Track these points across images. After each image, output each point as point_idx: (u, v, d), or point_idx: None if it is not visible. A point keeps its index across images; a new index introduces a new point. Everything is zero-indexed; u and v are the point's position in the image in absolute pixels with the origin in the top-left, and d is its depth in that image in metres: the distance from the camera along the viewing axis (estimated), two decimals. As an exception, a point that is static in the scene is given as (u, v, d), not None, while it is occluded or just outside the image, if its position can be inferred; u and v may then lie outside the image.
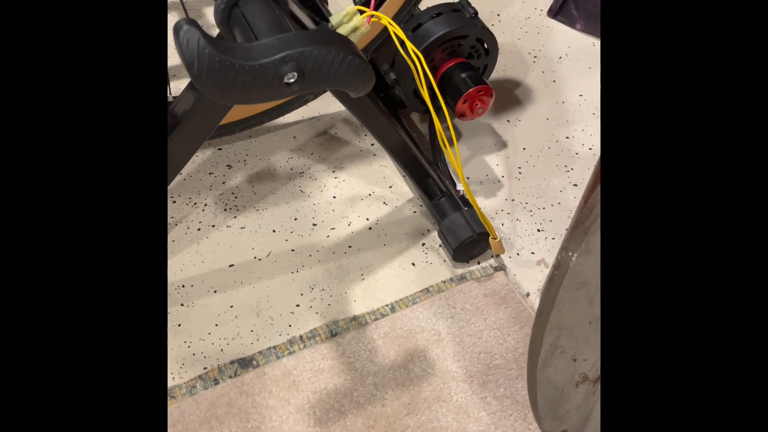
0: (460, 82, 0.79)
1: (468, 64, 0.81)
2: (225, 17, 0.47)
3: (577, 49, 1.12)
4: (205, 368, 0.69)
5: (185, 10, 0.70)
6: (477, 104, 0.80)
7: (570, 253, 0.42)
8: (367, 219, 0.86)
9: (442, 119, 0.82)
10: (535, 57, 1.10)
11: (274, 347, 0.70)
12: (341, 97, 0.71)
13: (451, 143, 0.85)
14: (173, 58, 1.02)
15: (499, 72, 1.07)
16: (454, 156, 0.68)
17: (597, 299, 0.45)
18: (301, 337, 0.72)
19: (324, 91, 0.90)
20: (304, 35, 0.42)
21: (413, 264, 0.81)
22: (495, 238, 0.75)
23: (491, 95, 0.80)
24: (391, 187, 0.90)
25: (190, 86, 0.56)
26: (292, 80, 0.42)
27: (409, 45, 0.57)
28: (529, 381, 0.48)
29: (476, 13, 0.81)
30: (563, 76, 1.07)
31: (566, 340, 0.46)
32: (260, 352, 0.70)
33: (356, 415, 0.65)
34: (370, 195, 0.89)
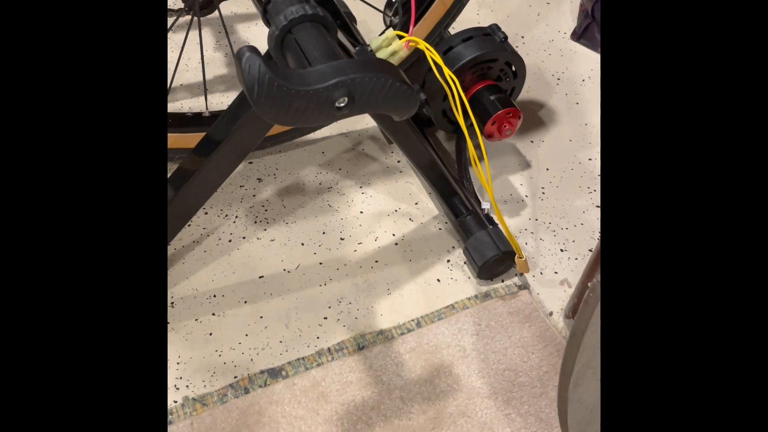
0: (489, 104, 0.81)
1: (497, 87, 0.83)
2: (278, 43, 0.50)
3: (600, 72, 1.14)
4: (235, 377, 0.71)
5: (226, 32, 0.73)
6: (505, 126, 0.82)
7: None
8: (394, 234, 0.87)
9: (472, 138, 0.84)
10: (559, 79, 1.12)
11: (303, 358, 0.72)
12: (377, 116, 0.74)
13: (482, 161, 0.86)
14: (210, 72, 1.05)
15: (522, 93, 1.09)
16: (485, 174, 0.70)
17: (629, 322, 0.46)
18: (329, 349, 0.73)
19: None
20: (355, 63, 0.44)
21: (438, 280, 0.83)
22: (521, 257, 0.77)
23: (519, 117, 0.82)
24: (417, 203, 0.92)
25: (235, 105, 0.58)
26: (342, 104, 0.44)
27: (446, 69, 0.59)
28: (560, 399, 0.50)
29: (506, 37, 0.83)
30: (586, 98, 1.09)
31: (598, 361, 0.47)
32: (289, 363, 0.72)
33: (383, 428, 0.67)
34: (396, 211, 0.90)
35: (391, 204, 0.91)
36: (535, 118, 1.05)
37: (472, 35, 0.81)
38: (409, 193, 0.93)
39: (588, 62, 1.16)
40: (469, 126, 0.89)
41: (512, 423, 0.68)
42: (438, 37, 0.83)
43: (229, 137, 0.55)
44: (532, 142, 1.01)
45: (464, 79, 0.82)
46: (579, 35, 1.19)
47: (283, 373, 0.71)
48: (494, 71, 0.83)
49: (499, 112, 0.80)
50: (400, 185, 0.94)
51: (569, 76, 1.13)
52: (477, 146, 0.99)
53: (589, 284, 0.45)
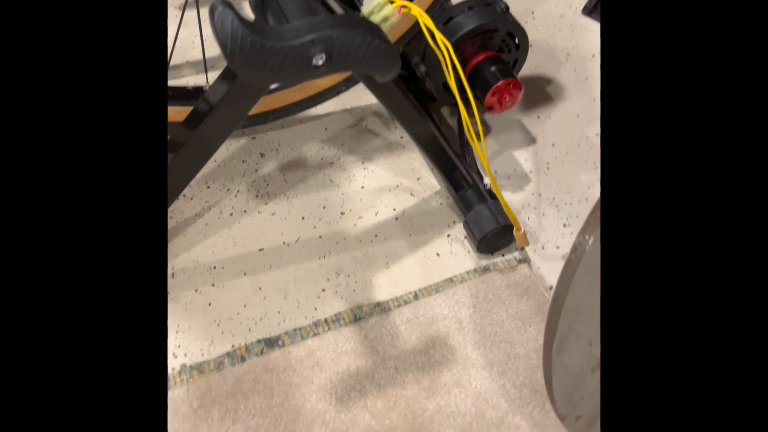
0: (490, 75, 0.80)
1: (498, 58, 0.82)
2: (259, 2, 0.50)
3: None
4: (233, 346, 0.71)
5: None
6: (506, 97, 0.80)
7: (586, 237, 0.43)
8: (394, 209, 0.87)
9: (471, 112, 0.83)
10: (568, 54, 1.10)
11: (300, 328, 0.73)
12: (373, 88, 0.73)
13: (478, 136, 0.86)
14: (215, 48, 1.05)
15: (531, 69, 1.07)
16: (480, 147, 0.69)
17: (613, 285, 0.46)
18: (325, 320, 0.74)
19: (356, 82, 0.91)
20: (332, 19, 0.43)
21: (438, 254, 0.82)
22: (519, 230, 0.76)
23: (520, 89, 0.81)
24: (419, 179, 0.91)
25: (224, 73, 0.58)
26: (320, 62, 0.44)
27: (438, 35, 0.59)
28: (545, 364, 0.49)
29: (507, 8, 0.82)
30: (596, 73, 1.07)
31: (582, 325, 0.47)
32: (286, 333, 0.72)
33: (377, 396, 0.67)
34: (397, 186, 0.90)
35: (392, 179, 0.91)
36: (542, 94, 1.04)
37: (472, 5, 0.80)
38: (411, 168, 0.92)
39: (597, 37, 1.13)
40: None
41: (507, 394, 0.68)
42: (439, 8, 0.82)
43: (217, 106, 0.55)
44: (538, 117, 1.00)
45: (464, 50, 0.81)
46: (590, 10, 1.16)
47: (280, 342, 0.71)
48: (495, 42, 0.82)
49: (499, 83, 0.78)
50: (402, 161, 0.93)
51: (579, 51, 1.11)
52: (475, 120, 0.98)
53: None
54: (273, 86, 0.86)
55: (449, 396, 0.67)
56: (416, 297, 0.76)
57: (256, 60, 0.42)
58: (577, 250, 0.43)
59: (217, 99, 0.57)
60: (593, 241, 0.43)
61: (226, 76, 0.57)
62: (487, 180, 0.86)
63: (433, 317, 0.74)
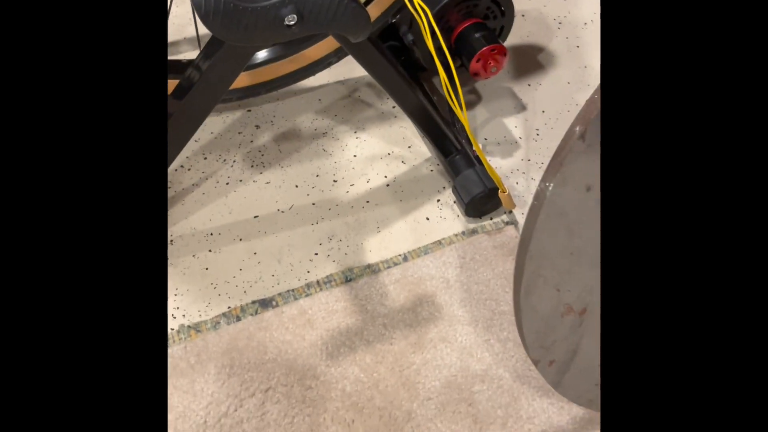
0: (474, 41, 0.82)
1: (483, 25, 0.83)
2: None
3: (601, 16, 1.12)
4: (228, 307, 0.75)
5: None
6: (490, 63, 0.82)
7: (547, 184, 0.45)
8: (386, 176, 0.90)
9: (450, 75, 0.84)
10: (560, 23, 1.11)
11: (293, 290, 0.76)
12: (358, 57, 0.75)
13: (459, 100, 0.87)
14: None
15: (522, 38, 1.08)
16: (462, 111, 0.71)
17: (577, 230, 0.48)
18: (318, 281, 0.77)
19: (347, 54, 0.93)
20: (303, -19, 0.46)
21: (427, 219, 0.85)
22: (504, 192, 0.78)
23: (505, 54, 0.83)
24: (410, 147, 0.93)
25: (210, 41, 0.60)
26: (292, 22, 0.46)
27: (416, 0, 0.60)
28: (515, 308, 0.51)
29: (493, -25, 0.83)
30: (587, 41, 1.08)
31: (548, 270, 0.49)
32: (280, 294, 0.75)
33: (365, 351, 0.70)
34: (389, 154, 0.92)
35: (384, 147, 0.93)
36: (533, 62, 1.05)
37: (457, -27, 0.82)
38: (402, 137, 0.94)
39: (591, 5, 1.14)
40: (459, 66, 0.89)
41: (491, 348, 0.70)
42: (426, -23, 0.83)
43: (205, 71, 0.58)
44: (529, 85, 1.01)
45: (450, 18, 0.83)
46: (583, -22, 1.17)
47: (274, 303, 0.74)
48: (480, 9, 0.84)
49: (484, 48, 0.80)
50: (394, 129, 0.95)
51: (571, 19, 1.12)
52: (462, 86, 1.00)
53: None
54: (263, 57, 0.88)
55: (435, 350, 0.70)
56: (405, 259, 0.79)
57: (230, 20, 0.44)
58: (539, 197, 0.45)
59: (205, 66, 0.59)
60: (553, 187, 0.45)
61: (213, 43, 0.59)
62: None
63: (421, 277, 0.76)
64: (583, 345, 0.56)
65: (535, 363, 0.55)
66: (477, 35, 0.82)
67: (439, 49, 0.67)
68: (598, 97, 0.43)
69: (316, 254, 0.80)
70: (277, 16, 0.45)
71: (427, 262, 0.78)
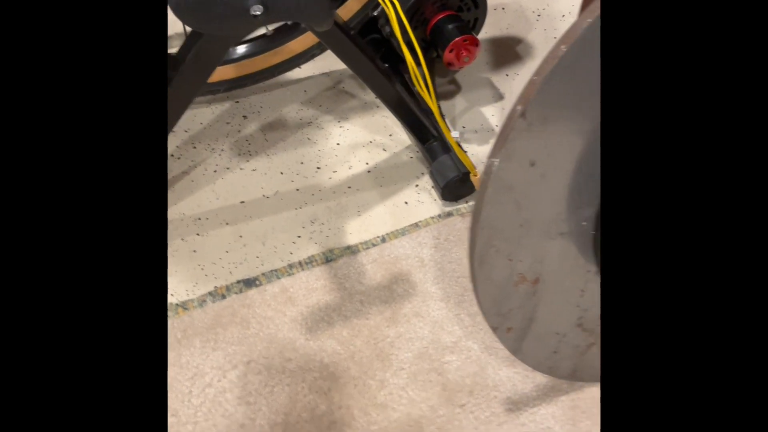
0: (447, 32, 0.85)
1: (456, 17, 0.87)
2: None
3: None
4: (215, 286, 0.79)
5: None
6: (463, 53, 0.86)
7: (493, 160, 0.49)
8: (367, 163, 0.93)
9: (418, 61, 0.87)
10: (539, 15, 1.15)
11: (276, 270, 0.80)
12: (335, 49, 0.79)
13: (428, 84, 0.90)
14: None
15: (502, 30, 1.12)
16: (430, 98, 0.75)
17: (524, 204, 0.52)
18: (300, 262, 0.81)
19: (325, 49, 0.97)
20: (266, -27, 0.50)
21: (406, 203, 0.89)
22: (476, 175, 0.82)
23: (477, 45, 0.86)
24: (391, 135, 0.97)
25: (190, 34, 0.64)
26: (258, 12, 0.50)
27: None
28: (471, 277, 0.55)
29: (466, -32, 0.87)
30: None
31: (499, 240, 0.53)
32: (263, 274, 0.79)
33: (343, 326, 0.74)
34: (371, 142, 0.96)
35: (366, 136, 0.97)
36: (512, 53, 1.08)
37: (431, -33, 0.85)
38: (384, 125, 0.98)
39: (569, -2, 1.18)
40: (435, 57, 0.93)
41: (461, 322, 0.74)
42: (402, -28, 0.87)
43: (185, 64, 0.62)
44: (507, 75, 1.05)
45: (425, 10, 0.87)
46: (562, -28, 1.20)
47: (257, 282, 0.78)
48: (454, 1, 0.87)
49: (456, 39, 0.84)
50: (376, 119, 0.99)
51: (550, 12, 1.16)
52: (442, 77, 1.03)
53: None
54: (249, 50, 0.92)
55: (409, 324, 0.74)
56: (383, 240, 0.83)
57: (200, 11, 0.48)
58: (487, 172, 0.49)
59: (187, 56, 0.64)
60: (499, 162, 0.48)
61: (193, 35, 0.63)
62: (455, 134, 0.92)
63: (397, 257, 0.80)
64: (539, 313, 0.60)
65: (494, 329, 0.59)
66: (450, 26, 0.85)
67: (409, 41, 0.70)
68: (537, 78, 0.46)
69: (299, 237, 0.84)
70: (244, 7, 0.49)
71: (403, 243, 0.82)
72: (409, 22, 0.87)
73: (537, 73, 0.46)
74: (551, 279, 0.58)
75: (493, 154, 0.49)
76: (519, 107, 0.47)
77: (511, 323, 0.59)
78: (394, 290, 0.77)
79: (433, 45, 0.89)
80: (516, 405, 0.68)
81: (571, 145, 0.50)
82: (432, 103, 0.76)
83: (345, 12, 0.93)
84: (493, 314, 0.58)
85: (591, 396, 0.69)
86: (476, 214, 0.51)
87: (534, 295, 0.58)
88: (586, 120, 0.49)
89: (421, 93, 0.75)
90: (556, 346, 0.63)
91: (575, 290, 0.60)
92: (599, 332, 0.64)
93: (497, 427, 0.66)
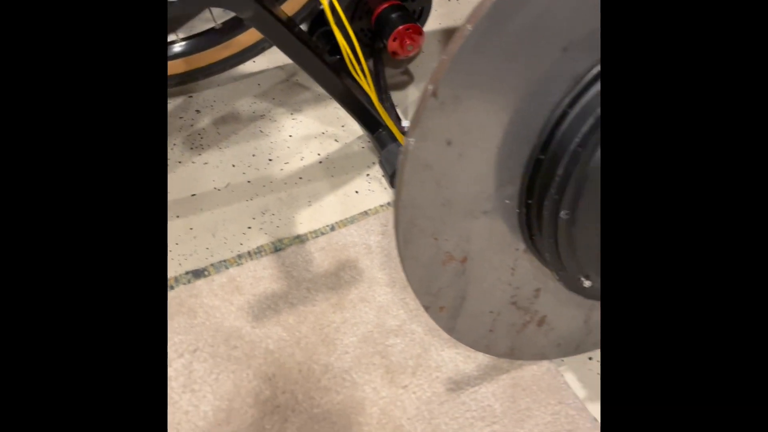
0: (391, 22, 0.86)
1: (400, 6, 0.88)
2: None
3: None
4: (164, 278, 0.79)
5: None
6: (406, 41, 0.87)
7: (410, 139, 0.50)
8: (319, 154, 0.94)
9: (353, 48, 0.87)
10: (493, 5, 1.16)
11: (225, 260, 0.80)
12: (279, 44, 0.80)
13: (365, 71, 0.91)
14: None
15: (456, 21, 1.13)
16: (368, 86, 0.76)
17: (444, 182, 0.53)
18: (249, 252, 0.81)
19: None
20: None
21: (357, 192, 0.90)
22: (421, 162, 0.83)
23: (420, 33, 0.87)
24: (343, 126, 0.98)
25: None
26: None
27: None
28: (399, 257, 0.56)
29: (411, -42, 0.88)
30: (517, 21, 1.13)
31: (422, 220, 0.54)
32: (212, 265, 0.80)
33: (289, 313, 0.75)
34: (323, 134, 0.97)
35: (319, 127, 0.98)
36: (464, 43, 1.10)
37: (375, -42, 0.86)
38: (337, 117, 0.99)
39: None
40: (382, 48, 0.94)
41: (406, 306, 0.75)
42: (347, -37, 0.88)
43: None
44: (459, 65, 1.06)
45: (369, 1, 0.88)
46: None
47: (206, 273, 0.79)
48: (398, -8, 0.88)
49: (399, 27, 0.85)
50: (329, 110, 1.00)
51: (503, 1, 1.17)
52: (395, 68, 1.04)
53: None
54: (197, 45, 0.93)
55: (355, 310, 0.75)
56: (332, 229, 0.84)
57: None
58: (405, 151, 0.50)
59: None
60: (415, 141, 0.49)
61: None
62: (404, 123, 0.93)
63: (345, 244, 0.81)
64: (470, 292, 0.61)
65: (426, 309, 0.60)
66: (394, 16, 0.86)
67: (348, 33, 0.71)
68: (446, 57, 0.47)
69: (249, 228, 0.85)
70: (160, -6, 0.50)
71: (351, 231, 0.83)
72: (353, 12, 0.88)
73: (446, 52, 0.47)
74: (479, 257, 0.59)
75: (410, 133, 0.50)
76: (430, 86, 0.48)
77: (443, 302, 0.60)
78: (341, 277, 0.78)
79: (378, 35, 0.90)
80: (458, 384, 0.69)
81: (488, 123, 0.51)
82: (370, 92, 0.77)
83: (293, 5, 0.93)
84: (423, 293, 0.59)
85: (531, 374, 0.70)
86: (397, 195, 0.52)
87: (463, 274, 0.59)
88: (500, 99, 0.50)
89: (360, 82, 0.76)
90: (491, 324, 0.64)
91: (505, 268, 0.61)
92: (534, 310, 0.65)
93: (438, 406, 0.67)
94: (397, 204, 0.53)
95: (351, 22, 0.91)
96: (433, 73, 0.48)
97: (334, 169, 0.92)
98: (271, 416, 0.66)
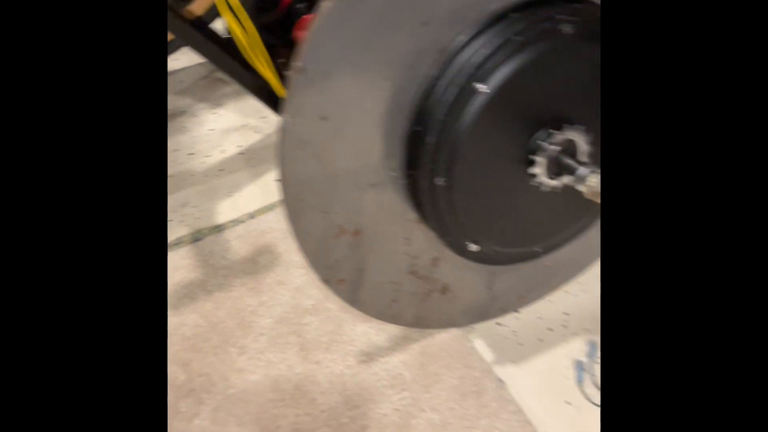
0: (298, 11, 0.88)
1: (308, -4, 0.90)
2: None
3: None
4: (83, 274, 0.80)
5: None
6: (314, 31, 0.89)
7: (285, 116, 0.52)
8: (240, 146, 0.96)
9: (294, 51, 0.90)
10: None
11: (144, 254, 0.81)
12: (188, 42, 0.81)
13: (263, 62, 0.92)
14: None
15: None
16: (270, 74, 0.78)
17: (325, 157, 0.55)
18: (168, 244, 0.83)
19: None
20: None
21: (277, 180, 0.91)
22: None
23: (327, 22, 0.89)
24: (264, 117, 1.00)
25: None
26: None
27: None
28: (291, 233, 0.58)
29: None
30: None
31: (309, 195, 0.56)
32: (131, 259, 0.81)
33: (206, 300, 0.76)
34: (244, 126, 0.99)
35: (240, 120, 0.99)
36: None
37: (279, -50, 0.88)
38: (257, 109, 1.01)
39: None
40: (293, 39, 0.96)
41: (322, 286, 0.77)
42: (254, -43, 0.89)
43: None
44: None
45: (275, -8, 0.89)
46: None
47: (125, 266, 0.80)
48: (305, -18, 0.90)
49: (305, 16, 0.87)
50: (250, 104, 1.02)
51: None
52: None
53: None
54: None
55: (272, 292, 0.77)
56: (251, 217, 0.86)
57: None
58: (281, 129, 0.52)
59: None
60: (288, 117, 0.51)
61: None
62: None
63: (263, 231, 0.83)
64: (368, 263, 0.63)
65: (325, 282, 0.62)
66: (300, 5, 0.88)
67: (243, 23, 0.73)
68: (309, 35, 0.49)
69: (170, 221, 0.86)
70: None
71: (270, 218, 0.85)
72: (261, 3, 0.89)
73: (309, 29, 0.49)
74: (372, 229, 0.61)
75: (284, 111, 0.52)
76: (297, 63, 0.50)
77: (341, 275, 0.63)
78: (259, 262, 0.80)
79: (287, 27, 0.91)
80: (369, 356, 0.71)
81: (363, 98, 0.53)
82: (273, 80, 0.79)
83: (203, 4, 0.95)
84: (320, 267, 0.61)
85: (439, 342, 0.73)
86: (279, 171, 0.54)
87: (359, 246, 0.61)
88: (370, 73, 0.52)
89: (259, 68, 0.78)
90: (393, 294, 0.67)
91: (400, 239, 0.63)
92: (435, 278, 0.68)
93: (350, 378, 0.69)
94: (281, 181, 0.55)
95: (260, 14, 0.93)
96: (299, 51, 0.50)
97: (254, 160, 0.94)
98: (186, 399, 0.67)
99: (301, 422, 0.65)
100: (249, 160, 0.94)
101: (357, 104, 0.54)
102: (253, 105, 1.01)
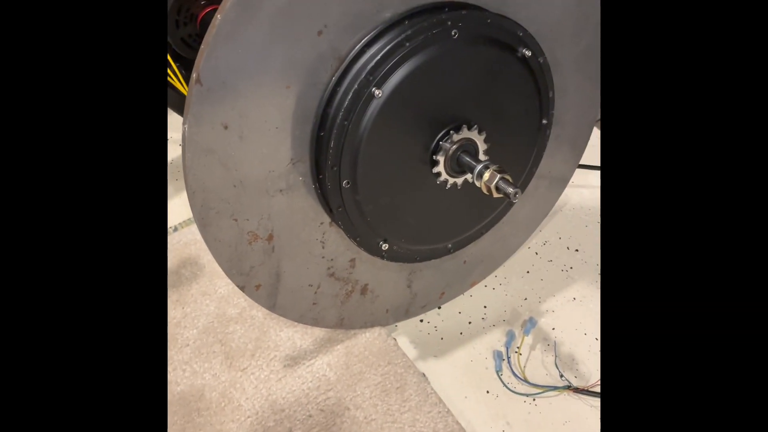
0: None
1: (223, 9, 0.91)
2: None
3: None
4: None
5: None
6: (230, 43, 0.90)
7: (184, 125, 0.53)
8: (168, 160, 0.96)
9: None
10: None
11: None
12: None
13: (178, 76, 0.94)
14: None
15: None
16: (183, 86, 0.79)
17: (231, 164, 0.56)
18: (90, 261, 0.82)
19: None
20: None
21: (201, 192, 0.92)
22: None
23: (244, 34, 0.90)
24: (188, 130, 1.00)
25: None
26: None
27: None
28: (208, 246, 0.59)
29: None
30: None
31: (217, 203, 0.57)
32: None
33: (129, 314, 0.76)
34: (170, 138, 0.98)
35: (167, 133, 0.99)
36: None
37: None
38: (180, 122, 1.01)
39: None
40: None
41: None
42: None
43: None
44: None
45: (190, 6, 0.90)
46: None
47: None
48: (219, -5, 0.91)
49: (220, 30, 0.88)
50: (173, 117, 1.01)
51: None
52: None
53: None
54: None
55: (196, 304, 0.77)
56: (175, 230, 0.86)
57: None
58: (183, 139, 0.53)
59: None
60: (189, 127, 0.52)
61: None
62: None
63: (186, 243, 0.83)
64: (284, 268, 0.64)
65: (242, 288, 0.63)
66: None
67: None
68: (204, 47, 0.51)
69: (92, 238, 0.85)
70: None
71: (193, 230, 0.85)
72: (176, 18, 0.90)
73: (204, 42, 0.51)
74: (286, 234, 0.62)
75: (184, 121, 0.53)
76: (194, 74, 0.51)
77: (258, 280, 0.64)
78: (182, 274, 0.80)
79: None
80: (294, 360, 0.72)
81: (264, 106, 0.55)
82: (185, 92, 0.80)
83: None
84: (235, 274, 0.62)
85: (363, 341, 0.74)
86: (185, 180, 0.55)
87: (273, 251, 0.63)
88: (270, 82, 0.54)
89: (177, 86, 0.78)
90: (313, 297, 0.68)
91: (315, 242, 0.65)
92: (354, 279, 0.70)
93: (276, 383, 0.70)
94: (187, 190, 0.55)
95: (177, 28, 0.93)
96: (197, 63, 0.51)
97: (177, 173, 0.94)
98: (108, 415, 0.67)
99: (227, 430, 0.66)
100: (172, 174, 0.94)
101: (258, 112, 0.55)
102: (176, 119, 1.01)
